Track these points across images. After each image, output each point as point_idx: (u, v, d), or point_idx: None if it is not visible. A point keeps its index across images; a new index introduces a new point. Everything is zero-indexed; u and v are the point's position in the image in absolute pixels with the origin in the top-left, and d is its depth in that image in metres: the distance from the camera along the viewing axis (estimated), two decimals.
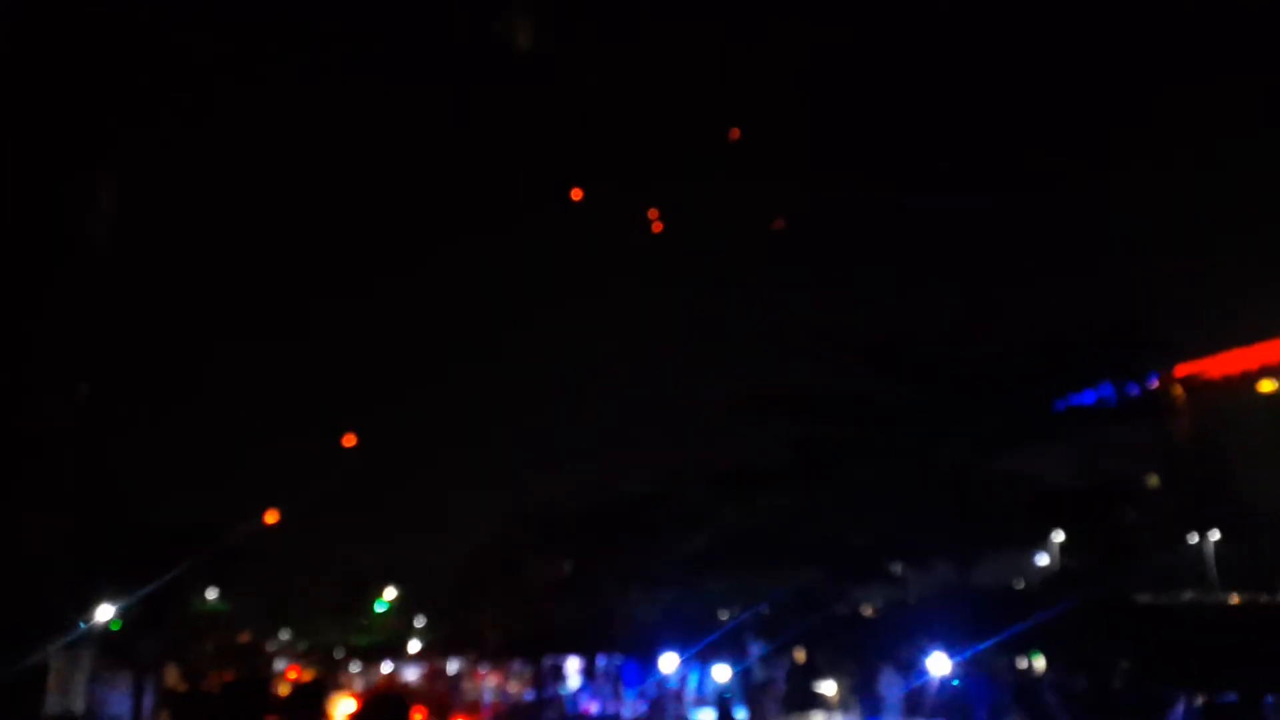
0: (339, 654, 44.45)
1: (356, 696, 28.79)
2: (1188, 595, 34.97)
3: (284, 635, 47.47)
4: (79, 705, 13.02)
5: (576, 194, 44.85)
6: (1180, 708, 14.02)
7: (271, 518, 31.80)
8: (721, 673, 22.45)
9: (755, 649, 22.18)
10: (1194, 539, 43.22)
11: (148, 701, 13.56)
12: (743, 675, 22.52)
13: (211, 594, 34.67)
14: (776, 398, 21.08)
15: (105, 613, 17.27)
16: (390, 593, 48.48)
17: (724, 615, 26.10)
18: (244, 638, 35.79)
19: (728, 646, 22.72)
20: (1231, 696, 15.15)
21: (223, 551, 23.96)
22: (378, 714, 23.12)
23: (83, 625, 16.44)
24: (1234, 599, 35.54)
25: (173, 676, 16.89)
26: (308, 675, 36.36)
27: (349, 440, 40.06)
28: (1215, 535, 43.24)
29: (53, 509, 16.52)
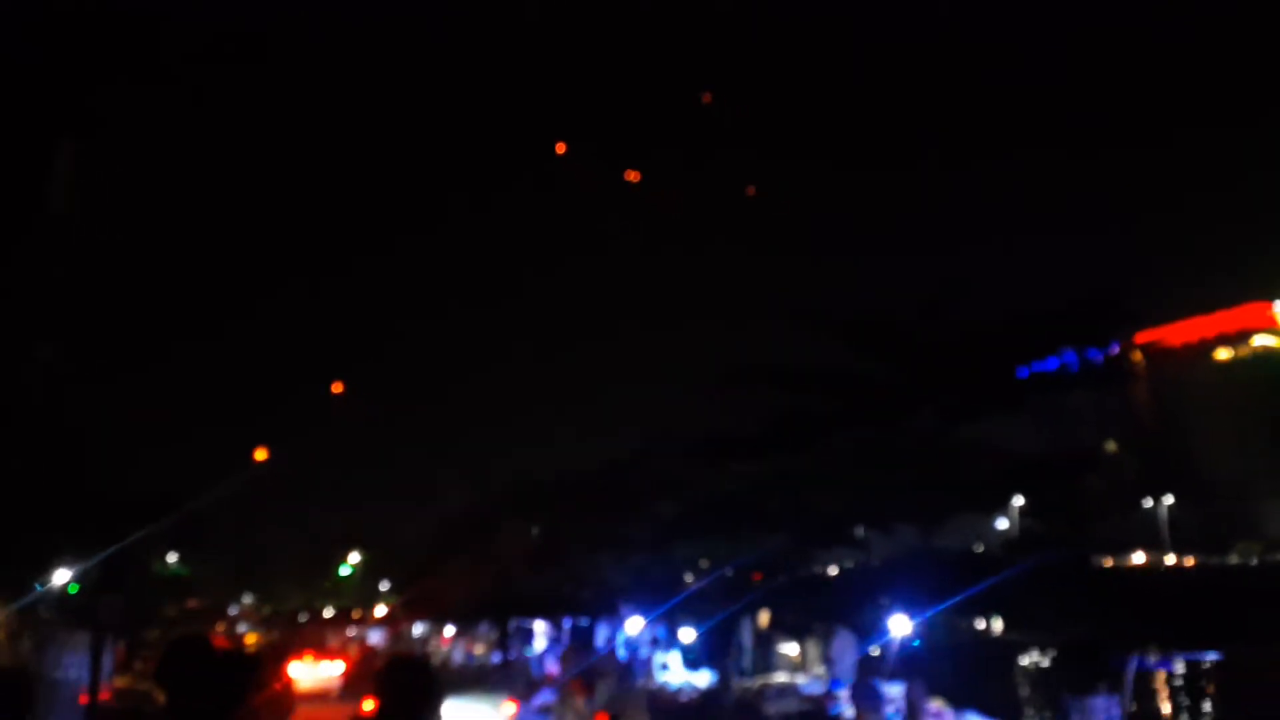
0: (303, 618, 44.34)
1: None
2: (1142, 557, 35.77)
3: (247, 599, 47.20)
4: (35, 666, 12.87)
5: (560, 148, 44.92)
6: (1134, 665, 14.36)
7: (261, 455, 31.56)
8: (687, 635, 22.65)
9: (720, 612, 22.40)
10: (1149, 503, 44.22)
11: (106, 664, 13.43)
12: (707, 637, 22.73)
13: (172, 558, 34.30)
14: (751, 370, 21.15)
15: (62, 575, 17.03)
16: (355, 557, 48.36)
17: (690, 578, 26.28)
18: (193, 603, 35.33)
19: (694, 609, 22.90)
20: (1183, 655, 15.56)
21: (184, 515, 23.66)
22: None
23: (39, 588, 16.20)
24: (1187, 561, 36.46)
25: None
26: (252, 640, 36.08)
27: (337, 387, 39.81)
28: (1169, 499, 44.29)
29: (16, 472, 16.24)
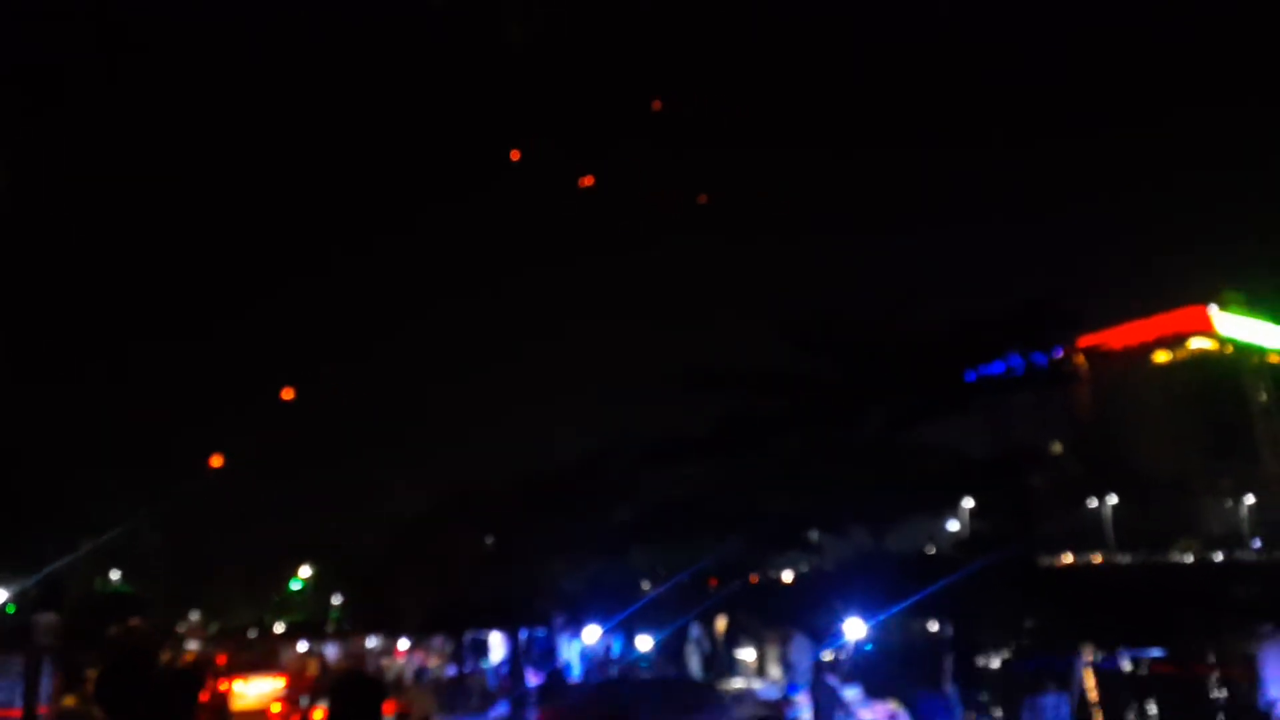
0: (252, 634, 43.38)
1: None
2: (1088, 556, 36.54)
3: (194, 616, 46.08)
4: None
5: (515, 155, 44.92)
6: (1081, 663, 14.65)
7: (216, 461, 31.03)
8: (644, 642, 22.62)
9: (678, 619, 22.41)
10: (1094, 503, 45.22)
11: (45, 687, 13.02)
12: (664, 644, 22.71)
13: (115, 575, 33.41)
14: (702, 371, 21.23)
15: None
16: (305, 571, 47.49)
17: (647, 586, 26.25)
18: (135, 621, 34.35)
19: (651, 617, 22.88)
20: (1129, 652, 15.91)
21: (126, 531, 23.08)
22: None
23: None
24: (1122, 559, 37.36)
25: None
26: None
27: (288, 394, 39.16)
28: (1113, 499, 45.32)
29: None
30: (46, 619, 14.31)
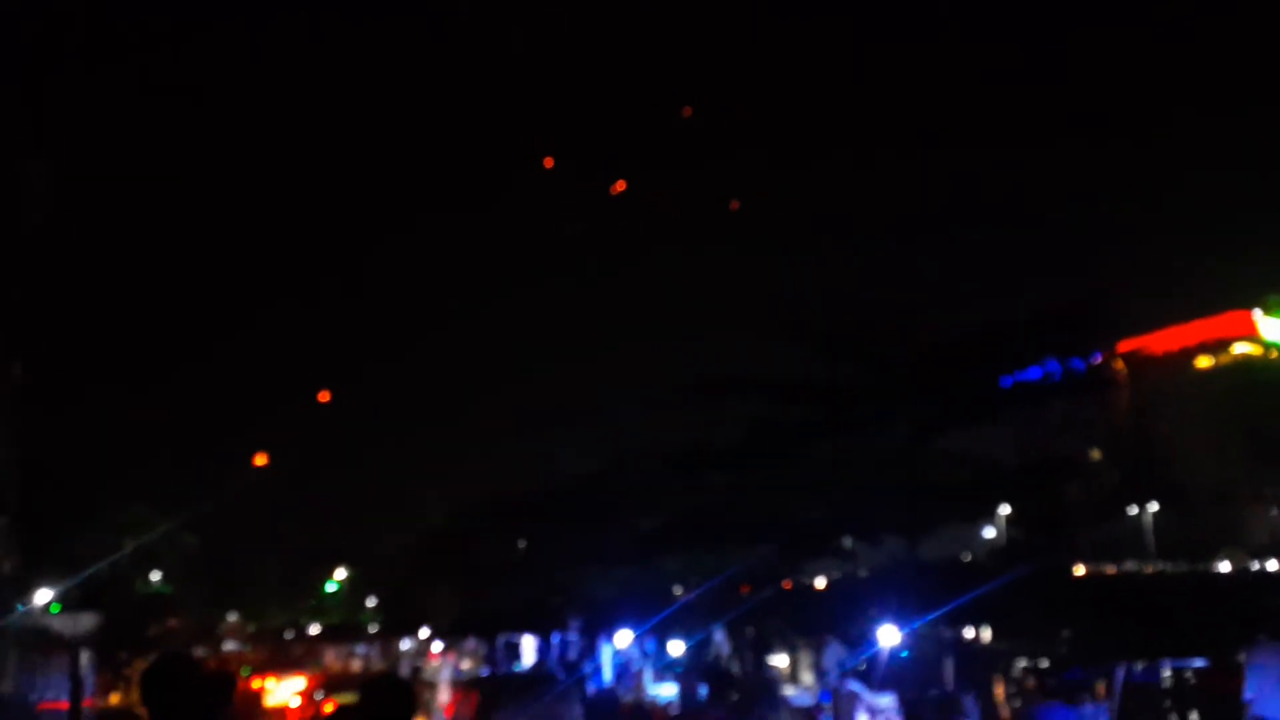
0: (289, 635, 43.94)
1: None
2: (1128, 565, 35.95)
3: (232, 618, 46.75)
4: (5, 686, 12.72)
5: (548, 162, 45.31)
6: (1121, 674, 14.41)
7: (260, 460, 31.57)
8: (676, 648, 22.61)
9: (709, 624, 22.37)
10: (1134, 510, 44.47)
11: (88, 684, 13.30)
12: (696, 650, 22.68)
13: (155, 576, 33.97)
14: (728, 379, 21.22)
15: (44, 596, 16.87)
16: (340, 573, 48.03)
17: (678, 591, 26.25)
18: (174, 622, 34.83)
19: (683, 622, 22.88)
20: (1170, 663, 15.62)
21: (165, 532, 23.52)
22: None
23: (21, 608, 16.04)
24: (1160, 568, 36.70)
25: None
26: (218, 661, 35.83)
27: (324, 396, 39.64)
28: (1154, 507, 44.55)
29: None
30: (89, 619, 14.61)
